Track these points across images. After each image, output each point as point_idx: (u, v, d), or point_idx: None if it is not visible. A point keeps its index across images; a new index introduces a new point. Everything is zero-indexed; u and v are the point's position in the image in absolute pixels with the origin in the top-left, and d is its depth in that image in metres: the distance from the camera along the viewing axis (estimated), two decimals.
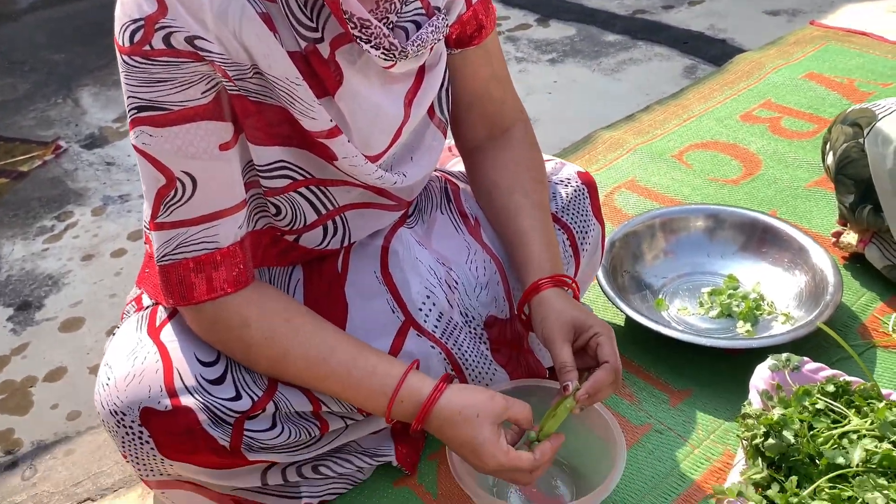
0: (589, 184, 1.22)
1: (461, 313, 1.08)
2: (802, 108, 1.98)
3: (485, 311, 1.10)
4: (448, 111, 1.07)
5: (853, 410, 0.96)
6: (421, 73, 0.99)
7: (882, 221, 1.33)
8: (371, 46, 0.85)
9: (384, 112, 0.94)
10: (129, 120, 0.82)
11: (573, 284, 1.04)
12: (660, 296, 1.41)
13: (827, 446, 0.91)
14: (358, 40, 0.84)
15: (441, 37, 0.95)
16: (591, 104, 2.16)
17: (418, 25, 0.94)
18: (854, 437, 0.91)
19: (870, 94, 2.00)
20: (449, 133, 1.12)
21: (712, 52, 2.36)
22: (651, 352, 1.30)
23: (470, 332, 1.08)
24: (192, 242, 0.85)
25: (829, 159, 1.38)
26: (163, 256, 0.86)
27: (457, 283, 1.09)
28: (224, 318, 0.88)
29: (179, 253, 0.85)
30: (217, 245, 0.86)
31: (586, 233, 1.19)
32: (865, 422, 0.93)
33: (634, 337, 1.32)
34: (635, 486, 1.08)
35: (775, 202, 1.64)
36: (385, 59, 0.88)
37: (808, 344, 1.22)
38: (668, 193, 1.71)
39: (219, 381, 0.92)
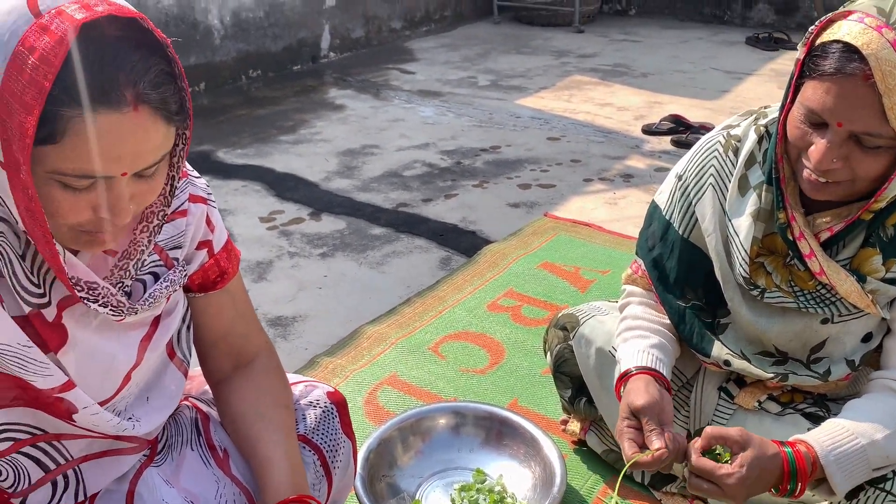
0: (338, 402, 1.30)
1: None
2: (539, 296, 2.27)
3: None
4: (189, 350, 1.13)
5: None
6: (157, 319, 1.04)
7: (596, 411, 1.55)
8: (99, 305, 0.90)
9: (114, 359, 0.97)
10: None
11: None
12: (417, 496, 1.50)
13: None
14: (85, 301, 0.89)
15: (177, 288, 1.02)
16: (358, 298, 2.31)
17: (156, 276, 1.00)
18: None
19: (592, 281, 2.34)
20: None
21: (464, 243, 2.64)
22: None
23: None
24: None
25: (548, 358, 1.60)
26: None
27: None
28: None
29: None
30: None
31: (336, 451, 1.26)
32: None
33: None
34: None
35: (516, 390, 1.84)
36: (114, 315, 0.92)
37: None
38: (425, 388, 1.85)
39: None
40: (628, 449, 1.18)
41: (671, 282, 1.34)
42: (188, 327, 1.12)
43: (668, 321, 1.36)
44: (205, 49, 4.40)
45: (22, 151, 0.74)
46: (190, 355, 1.14)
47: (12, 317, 0.85)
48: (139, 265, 0.96)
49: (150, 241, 0.95)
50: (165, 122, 0.80)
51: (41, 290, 0.89)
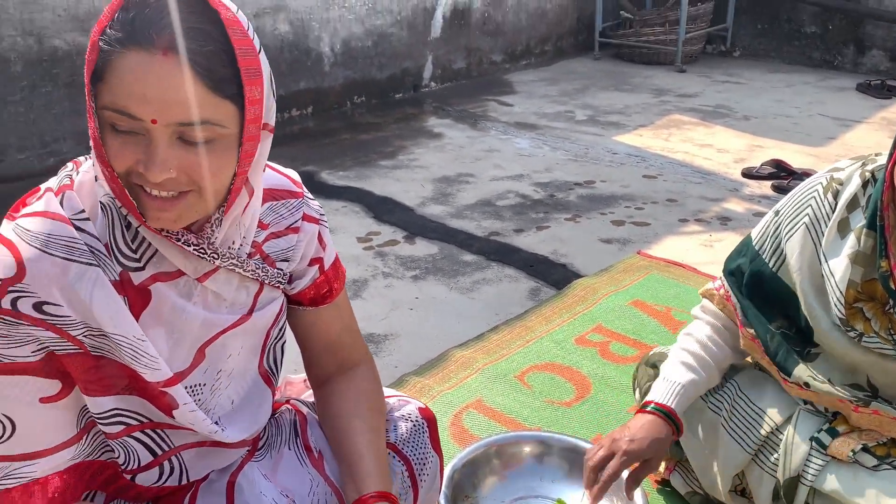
0: (429, 419, 1.36)
1: None
2: (628, 333, 2.26)
3: None
4: (278, 366, 1.20)
5: None
6: (248, 314, 1.09)
7: (682, 452, 1.54)
8: (182, 243, 0.95)
9: (192, 328, 1.01)
10: None
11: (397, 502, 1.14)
12: None
13: None
14: (165, 234, 0.94)
15: (270, 281, 1.08)
16: (447, 321, 2.36)
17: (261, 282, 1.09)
18: None
19: (684, 322, 2.32)
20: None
21: (555, 275, 2.67)
22: None
23: None
24: (15, 476, 0.93)
25: (637, 395, 1.60)
26: None
27: None
28: None
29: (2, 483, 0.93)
30: (33, 476, 0.94)
31: (424, 464, 1.31)
32: None
33: None
34: None
35: (602, 425, 1.84)
36: (198, 254, 0.96)
37: None
38: (510, 415, 1.88)
39: None
40: (588, 481, 1.33)
41: (756, 307, 1.38)
42: (281, 336, 1.19)
43: (725, 351, 1.43)
44: (315, 75, 4.62)
45: (87, 88, 0.85)
46: (279, 371, 1.21)
47: (110, 281, 0.92)
48: (214, 244, 0.98)
49: (230, 225, 0.98)
50: (206, 84, 0.83)
51: (137, 256, 0.96)
